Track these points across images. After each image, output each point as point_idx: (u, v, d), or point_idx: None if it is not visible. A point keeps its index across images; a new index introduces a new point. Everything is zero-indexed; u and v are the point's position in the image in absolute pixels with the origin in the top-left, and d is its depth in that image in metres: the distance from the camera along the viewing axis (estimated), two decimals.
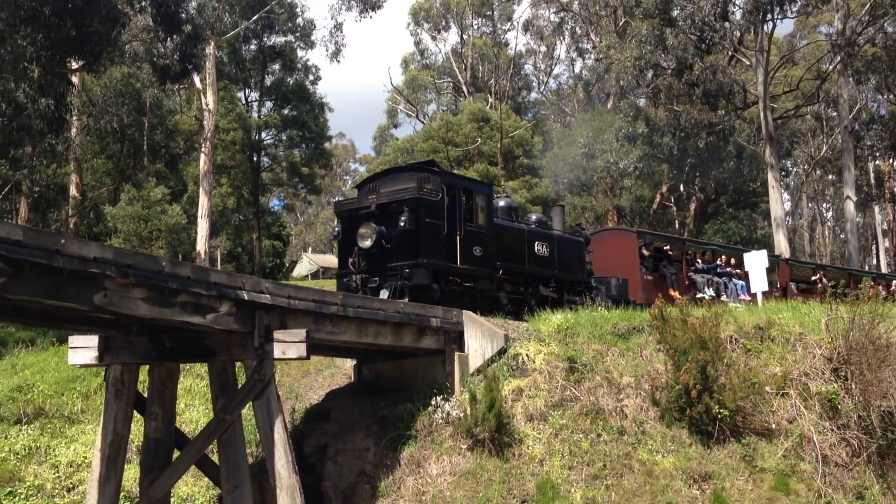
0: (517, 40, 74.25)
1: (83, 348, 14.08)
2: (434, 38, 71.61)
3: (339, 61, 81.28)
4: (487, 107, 61.31)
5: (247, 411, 14.28)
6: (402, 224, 18.20)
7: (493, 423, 15.85)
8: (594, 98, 55.06)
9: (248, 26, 50.25)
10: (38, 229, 10.99)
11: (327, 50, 63.92)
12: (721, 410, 16.19)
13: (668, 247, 28.85)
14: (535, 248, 21.58)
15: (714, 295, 27.34)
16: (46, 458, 17.15)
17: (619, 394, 17.06)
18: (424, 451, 16.05)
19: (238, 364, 14.39)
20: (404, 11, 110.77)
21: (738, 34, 40.66)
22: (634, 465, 15.70)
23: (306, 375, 21.35)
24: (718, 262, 29.85)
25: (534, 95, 73.38)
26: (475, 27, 68.21)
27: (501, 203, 21.85)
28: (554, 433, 16.23)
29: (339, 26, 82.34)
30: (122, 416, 13.91)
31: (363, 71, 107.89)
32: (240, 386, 13.97)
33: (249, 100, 58.49)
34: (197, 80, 42.84)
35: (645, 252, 27.64)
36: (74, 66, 30.67)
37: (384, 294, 17.65)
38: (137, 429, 15.28)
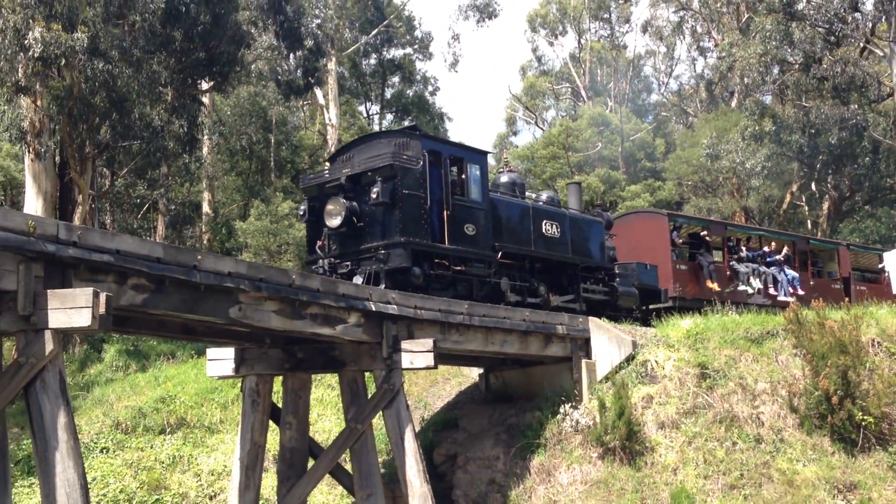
0: (636, 42, 73.39)
1: (220, 360, 14.55)
2: (551, 44, 71.27)
3: (457, 71, 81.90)
4: (607, 111, 60.62)
5: (377, 420, 14.46)
6: (373, 197, 15.41)
7: (624, 431, 15.60)
8: (717, 97, 53.75)
9: (368, 41, 51.12)
10: (177, 246, 11.40)
11: (445, 60, 64.41)
12: (865, 417, 15.52)
13: (705, 231, 24.73)
14: (543, 227, 18.49)
15: (761, 287, 24.53)
16: (189, 466, 17.78)
17: (755, 400, 16.54)
18: (554, 460, 15.92)
19: (367, 374, 14.60)
20: (518, 19, 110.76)
21: (870, 25, 39.03)
22: (773, 475, 15.19)
23: (434, 384, 21.50)
24: (766, 249, 26.10)
25: (654, 97, 72.20)
26: (592, 31, 67.58)
27: (504, 178, 19.24)
28: (687, 441, 15.85)
29: (456, 37, 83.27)
30: (258, 426, 14.30)
31: (479, 79, 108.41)
32: (370, 396, 14.16)
33: (370, 113, 59.52)
34: (319, 95, 43.82)
35: (677, 238, 24.13)
36: (205, 87, 31.81)
37: (358, 280, 14.94)
38: (273, 438, 15.69)
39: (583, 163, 53.97)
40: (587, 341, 17.61)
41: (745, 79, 40.76)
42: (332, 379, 20.30)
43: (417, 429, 16.82)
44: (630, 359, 17.39)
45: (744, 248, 25.57)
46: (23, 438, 17.99)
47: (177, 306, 11.01)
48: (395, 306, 13.74)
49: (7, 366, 9.53)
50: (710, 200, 45.46)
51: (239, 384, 16.71)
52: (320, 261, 16.03)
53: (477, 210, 16.66)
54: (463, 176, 16.71)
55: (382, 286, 14.46)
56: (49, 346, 9.15)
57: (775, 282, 25.17)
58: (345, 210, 15.66)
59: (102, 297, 9.14)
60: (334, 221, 15.81)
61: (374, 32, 50.68)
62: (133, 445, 18.07)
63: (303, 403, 14.78)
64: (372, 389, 14.37)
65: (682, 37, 60.49)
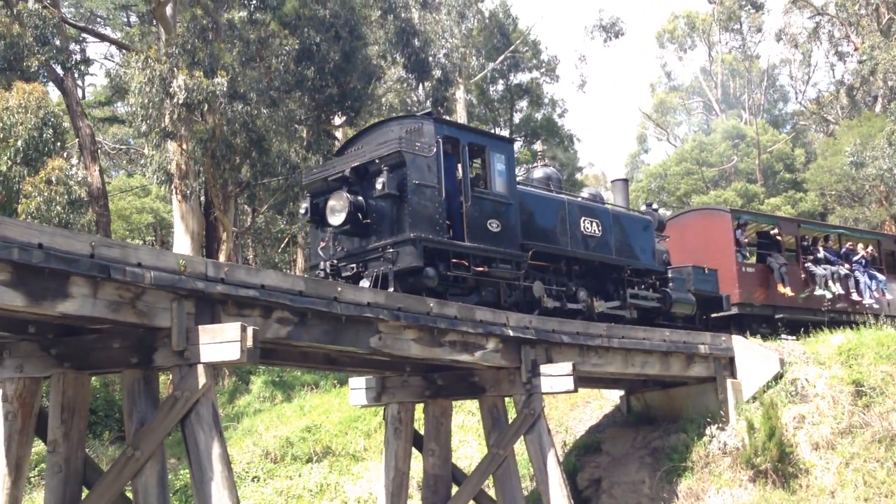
0: (769, 51, 71.30)
1: (362, 389, 14.82)
2: (680, 59, 70.09)
3: (584, 92, 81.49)
4: (741, 123, 59.04)
5: (519, 446, 14.41)
6: (379, 188, 13.56)
7: (775, 453, 15.05)
8: (860, 103, 51.63)
9: (495, 67, 51.48)
10: (317, 279, 11.73)
11: (572, 82, 64.12)
12: None
13: (775, 230, 21.96)
14: (582, 225, 16.35)
15: (841, 292, 21.83)
16: (336, 494, 18.15)
17: None
18: (703, 483, 15.49)
19: (508, 399, 14.58)
20: (645, 35, 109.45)
21: None
22: None
23: (574, 408, 21.29)
24: (847, 247, 23.26)
25: (791, 106, 69.90)
26: (723, 42, 66.11)
27: (538, 173, 17.18)
28: (844, 463, 15.16)
29: (583, 58, 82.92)
30: (402, 454, 14.45)
31: (607, 99, 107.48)
32: (510, 421, 14.14)
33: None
34: None
35: (742, 237, 21.24)
36: (337, 122, 32.69)
37: (364, 284, 13.34)
38: (417, 465, 15.83)
39: (718, 178, 52.67)
40: (731, 360, 17.11)
41: (889, 82, 39.04)
42: (473, 405, 20.37)
43: (560, 453, 16.66)
44: (778, 377, 16.79)
45: (821, 249, 22.81)
46: (180, 469, 18.75)
47: (319, 338, 11.28)
48: (532, 330, 13.71)
49: (163, 399, 9.97)
50: (857, 210, 43.60)
51: (381, 412, 16.96)
52: (322, 263, 14.26)
53: (502, 204, 14.61)
54: (485, 166, 14.72)
55: (391, 289, 12.84)
56: (202, 380, 9.53)
57: (857, 285, 22.32)
58: (349, 205, 13.68)
59: (250, 331, 9.46)
60: (337, 219, 13.86)
61: (500, 59, 50.99)
62: (282, 474, 18.59)
63: (444, 430, 14.87)
64: (512, 414, 14.34)
65: (818, 43, 58.43)
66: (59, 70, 30.22)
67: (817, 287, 21.52)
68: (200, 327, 9.61)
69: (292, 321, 10.88)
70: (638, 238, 17.55)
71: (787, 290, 20.66)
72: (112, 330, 9.90)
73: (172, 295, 9.54)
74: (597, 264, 16.46)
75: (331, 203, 13.97)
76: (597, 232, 16.50)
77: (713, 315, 19.62)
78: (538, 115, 58.77)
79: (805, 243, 22.97)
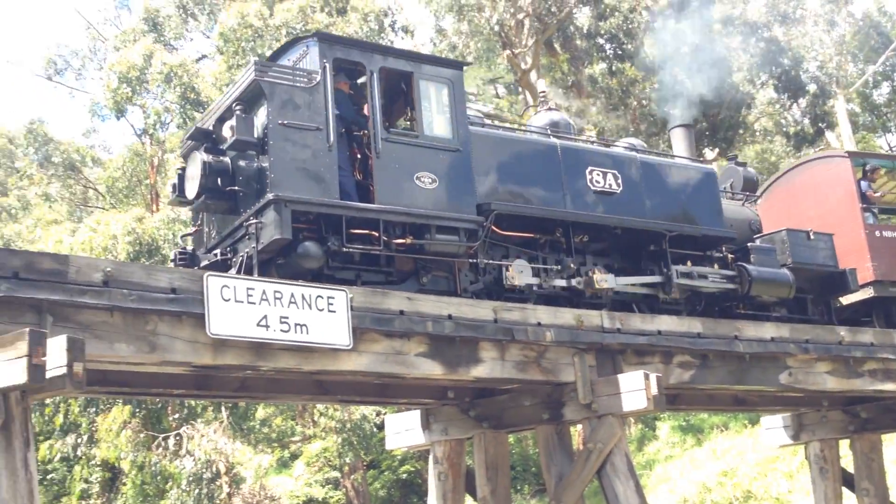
0: None
1: (778, 428, 14.12)
2: None
3: None
4: None
5: None
6: (227, 136, 9.58)
7: None
8: None
9: (876, 70, 47.68)
10: (713, 319, 11.44)
11: None
12: None
13: None
14: (589, 178, 11.40)
15: None
16: None
17: None
18: None
19: None
20: None
21: None
22: None
23: None
24: None
25: None
26: None
27: (539, 120, 12.43)
28: None
29: None
30: (832, 494, 13.52)
31: None
32: None
33: (892, 146, 54.90)
34: (832, 137, 41.61)
35: (870, 190, 14.55)
36: (710, 156, 32.03)
37: (233, 273, 9.19)
38: None
39: None
40: None
41: None
42: None
43: None
44: None
45: None
46: None
47: (724, 379, 10.97)
48: None
49: (577, 452, 10.23)
50: None
51: (801, 450, 16.01)
52: (174, 253, 10.42)
53: (442, 151, 10.27)
54: (410, 98, 10.54)
55: (255, 275, 8.71)
56: (613, 432, 9.64)
57: None
58: (202, 169, 9.46)
59: (653, 378, 9.44)
60: (191, 188, 9.72)
61: (880, 60, 47.14)
62: None
63: (877, 467, 13.68)
64: None
65: None
66: None
67: None
68: (604, 378, 9.77)
69: (694, 364, 10.70)
70: (691, 195, 12.31)
71: None
72: (522, 388, 10.39)
73: (573, 349, 9.80)
74: (618, 231, 11.45)
75: (187, 170, 9.91)
76: (615, 187, 11.58)
77: (841, 299, 13.88)
78: None
79: None
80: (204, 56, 29.37)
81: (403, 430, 12.09)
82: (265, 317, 7.87)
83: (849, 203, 14.23)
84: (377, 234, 9.51)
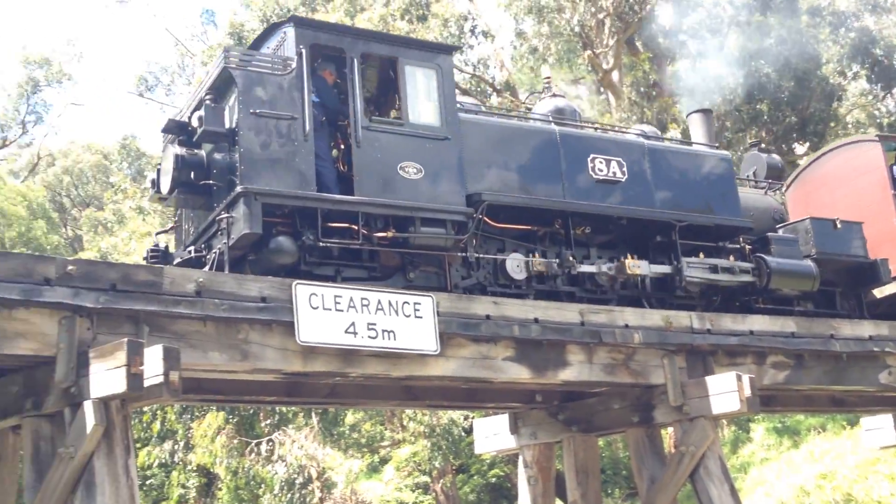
0: None
1: (878, 429, 13.69)
2: None
3: None
4: None
5: None
6: (197, 127, 9.15)
7: None
8: None
9: None
10: (810, 318, 11.13)
11: None
12: None
13: None
14: (590, 166, 10.70)
15: None
16: None
17: None
18: None
19: None
20: None
21: None
22: None
23: None
24: None
25: None
26: None
27: (542, 107, 11.70)
28: None
29: None
30: None
31: None
32: None
33: None
34: None
35: None
36: (800, 150, 31.30)
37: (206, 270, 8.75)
38: None
39: None
40: None
41: None
42: None
43: None
44: None
45: None
46: None
47: (820, 379, 10.71)
48: None
49: (670, 455, 10.08)
50: None
51: None
52: (146, 251, 9.75)
53: (429, 140, 9.75)
54: (394, 84, 10.09)
55: (226, 271, 8.40)
56: (706, 434, 9.47)
57: None
58: (173, 162, 9.07)
59: (746, 379, 9.25)
60: (165, 184, 9.28)
61: None
62: None
63: None
64: None
65: None
66: None
67: None
68: (695, 380, 9.62)
69: (788, 365, 10.46)
70: (703, 183, 11.57)
71: None
72: (611, 391, 10.29)
73: (662, 351, 9.68)
74: (623, 222, 10.75)
75: (162, 164, 9.47)
76: (619, 175, 10.89)
77: (875, 292, 12.67)
78: None
79: None
80: None
81: (492, 434, 12.12)
82: (353, 324, 7.98)
83: (880, 190, 13.13)
84: (356, 228, 9.03)
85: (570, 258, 10.15)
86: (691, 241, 10.99)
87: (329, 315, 7.87)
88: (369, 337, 8.01)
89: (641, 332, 9.49)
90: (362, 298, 8.14)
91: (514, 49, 28.26)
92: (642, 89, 25.64)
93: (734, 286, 11.13)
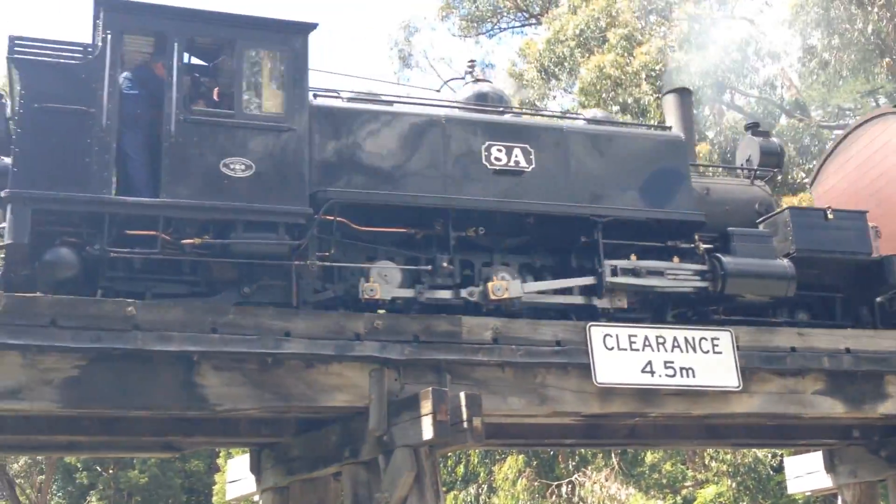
0: None
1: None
2: None
3: None
4: None
5: None
6: None
7: None
8: None
9: None
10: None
11: None
12: None
13: None
14: (486, 155, 8.84)
15: None
16: None
17: None
18: None
19: None
20: None
21: None
22: None
23: None
24: None
25: None
26: None
27: (465, 92, 9.99)
28: None
29: None
30: None
31: None
32: None
33: None
34: None
35: None
36: None
37: None
38: None
39: None
40: None
41: None
42: None
43: None
44: None
45: None
46: None
47: None
48: None
49: None
50: None
51: None
52: None
53: (266, 131, 8.35)
54: (233, 72, 8.55)
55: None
56: None
57: None
58: None
59: None
60: None
61: None
62: None
63: None
64: None
65: None
66: None
67: None
68: None
69: None
70: (644, 171, 9.45)
71: None
72: None
73: None
74: (530, 221, 9.00)
75: None
76: (523, 164, 9.03)
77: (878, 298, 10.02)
78: None
79: None
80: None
81: (805, 472, 11.61)
82: (650, 362, 7.92)
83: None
84: (171, 238, 7.84)
85: (445, 265, 8.42)
86: (633, 241, 9.10)
87: (625, 355, 7.88)
88: (667, 375, 7.92)
89: None
90: (657, 336, 8.08)
91: (803, 66, 26.90)
92: None
93: (682, 293, 9.09)
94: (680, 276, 9.02)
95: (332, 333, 7.35)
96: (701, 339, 8.12)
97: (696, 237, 9.34)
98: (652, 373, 7.86)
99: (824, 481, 11.16)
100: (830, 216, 9.97)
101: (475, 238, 8.74)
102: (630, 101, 20.97)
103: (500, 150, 8.96)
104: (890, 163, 10.86)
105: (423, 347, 7.46)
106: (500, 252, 8.94)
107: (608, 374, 7.76)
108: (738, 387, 8.01)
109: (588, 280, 8.78)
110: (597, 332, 7.90)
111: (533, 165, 9.00)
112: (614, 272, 8.74)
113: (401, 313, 8.00)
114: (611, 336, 7.94)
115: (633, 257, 8.95)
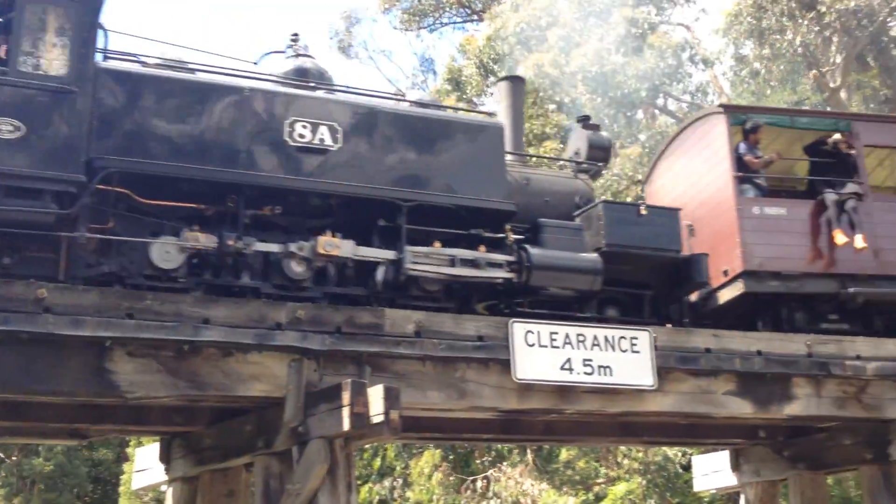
0: None
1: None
2: None
3: None
4: None
5: None
6: None
7: None
8: None
9: None
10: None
11: None
12: None
13: (837, 136, 10.63)
14: (290, 132, 8.44)
15: None
16: None
17: None
18: None
19: None
20: None
21: None
22: None
23: None
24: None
25: None
26: None
27: (283, 67, 9.42)
28: None
29: None
30: None
31: None
32: None
33: None
34: None
35: (751, 154, 10.49)
36: None
37: None
38: None
39: None
40: None
41: None
42: None
43: None
44: None
45: None
46: None
47: None
48: None
49: None
50: None
51: None
52: None
53: (40, 92, 7.68)
54: (9, 29, 7.87)
55: None
56: None
57: None
58: None
59: None
60: None
61: None
62: None
63: None
64: None
65: None
66: None
67: None
68: None
69: None
70: (458, 157, 9.13)
71: (861, 242, 9.97)
72: (840, 426, 9.80)
73: None
74: (332, 202, 8.68)
75: None
76: (329, 142, 8.64)
77: (719, 296, 10.11)
78: None
79: None
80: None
81: (711, 471, 11.85)
82: (569, 360, 7.97)
83: (722, 172, 10.60)
84: None
85: (232, 241, 7.87)
86: (440, 228, 8.79)
87: (545, 352, 7.92)
88: (585, 373, 7.98)
89: (875, 364, 8.99)
90: (578, 334, 8.13)
91: (735, 74, 27.50)
92: (872, 105, 24.19)
93: (488, 283, 8.80)
94: (483, 266, 8.73)
95: (252, 322, 7.21)
96: (620, 338, 8.21)
97: (507, 227, 9.13)
98: (571, 370, 7.91)
99: (729, 480, 11.39)
100: (644, 211, 9.86)
101: (272, 217, 8.34)
102: (567, 100, 21.18)
103: (304, 127, 8.55)
104: (707, 164, 10.86)
105: (345, 339, 7.38)
106: (300, 233, 8.39)
107: (528, 370, 7.79)
108: (653, 386, 8.12)
109: (390, 254, 8.43)
110: (518, 329, 7.93)
111: (339, 144, 8.62)
112: (422, 258, 8.46)
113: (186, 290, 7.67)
114: (532, 333, 7.96)
115: (436, 244, 8.63)
